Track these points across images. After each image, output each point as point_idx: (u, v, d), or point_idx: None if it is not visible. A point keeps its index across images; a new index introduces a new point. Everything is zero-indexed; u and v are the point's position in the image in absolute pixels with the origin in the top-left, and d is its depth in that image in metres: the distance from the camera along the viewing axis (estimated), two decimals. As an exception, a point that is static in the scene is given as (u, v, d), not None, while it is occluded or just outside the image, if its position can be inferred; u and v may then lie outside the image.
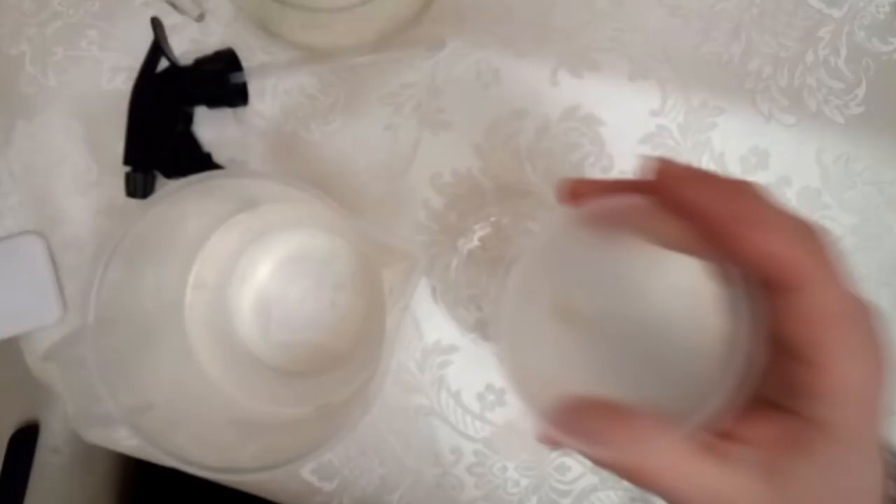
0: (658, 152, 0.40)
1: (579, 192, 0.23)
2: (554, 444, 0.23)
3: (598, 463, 0.23)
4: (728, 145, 0.40)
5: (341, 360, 0.38)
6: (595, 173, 0.40)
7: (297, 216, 0.38)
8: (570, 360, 0.26)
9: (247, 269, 0.39)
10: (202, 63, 0.39)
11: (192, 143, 0.39)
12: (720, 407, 0.19)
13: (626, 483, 0.39)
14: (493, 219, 0.39)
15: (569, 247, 0.25)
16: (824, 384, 0.20)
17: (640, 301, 0.25)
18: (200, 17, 0.39)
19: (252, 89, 0.39)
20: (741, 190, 0.20)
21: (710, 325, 0.20)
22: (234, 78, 0.38)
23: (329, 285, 0.39)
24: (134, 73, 0.38)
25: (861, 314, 0.21)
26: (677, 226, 0.20)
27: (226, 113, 0.40)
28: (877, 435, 0.22)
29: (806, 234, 0.20)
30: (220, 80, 0.38)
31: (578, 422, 0.21)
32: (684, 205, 0.20)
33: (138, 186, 0.38)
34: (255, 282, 0.39)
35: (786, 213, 0.20)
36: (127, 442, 0.40)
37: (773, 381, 0.21)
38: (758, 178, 0.40)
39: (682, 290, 0.23)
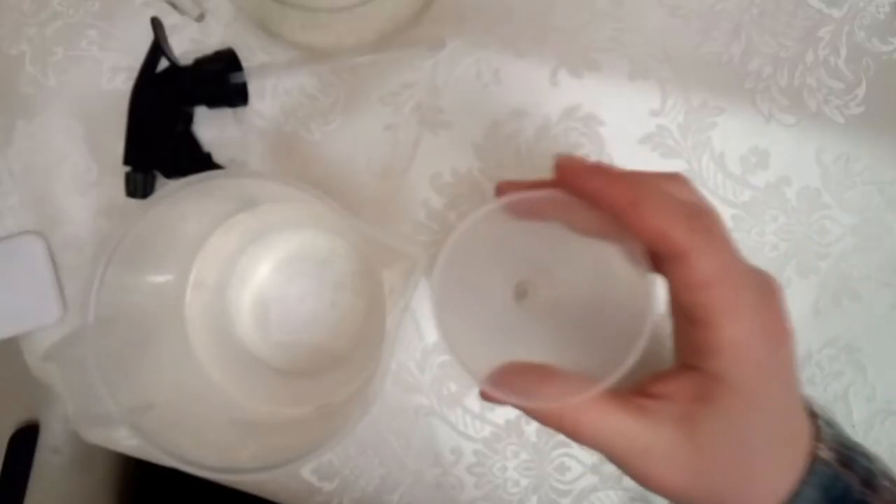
0: (658, 152, 0.40)
1: (504, 189, 0.27)
2: (494, 401, 0.25)
3: (536, 417, 0.26)
4: (728, 145, 0.40)
5: (341, 360, 0.38)
6: (595, 173, 0.40)
7: (297, 216, 0.38)
8: (510, 334, 0.30)
9: (246, 269, 0.38)
10: (202, 63, 0.39)
11: (192, 143, 0.39)
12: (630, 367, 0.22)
13: (626, 483, 0.39)
14: (492, 219, 0.39)
15: (502, 234, 0.29)
16: (716, 340, 0.23)
17: (570, 282, 0.29)
18: (200, 17, 0.39)
19: (252, 89, 0.39)
20: (633, 179, 0.23)
21: (627, 304, 0.23)
22: (234, 78, 0.38)
23: (329, 285, 0.39)
24: (134, 73, 0.38)
25: (750, 281, 0.24)
26: (590, 215, 0.24)
27: (226, 113, 0.40)
28: (784, 397, 0.25)
29: (691, 212, 0.23)
30: (220, 80, 0.38)
31: (514, 381, 0.24)
32: (587, 194, 0.23)
33: (138, 186, 0.38)
34: (254, 282, 0.39)
35: (673, 196, 0.23)
36: (127, 442, 0.40)
37: (685, 347, 0.24)
38: (758, 178, 0.40)
39: (605, 273, 0.27)
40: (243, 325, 0.38)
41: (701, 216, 0.23)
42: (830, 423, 0.27)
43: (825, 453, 0.25)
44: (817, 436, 0.25)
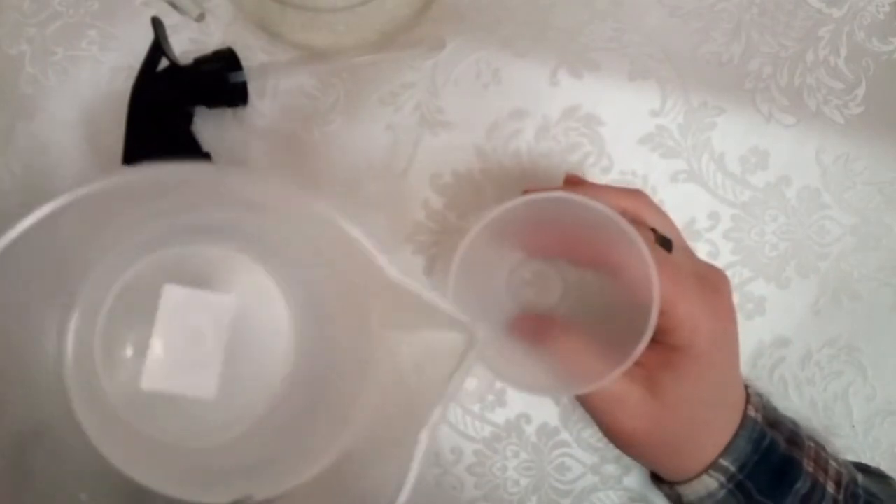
0: (658, 152, 0.40)
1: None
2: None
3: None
4: (728, 145, 0.40)
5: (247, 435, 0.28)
6: (595, 173, 0.40)
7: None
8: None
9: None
10: (202, 63, 0.39)
11: (192, 143, 0.39)
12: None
13: (626, 483, 0.39)
14: (493, 219, 0.40)
15: (512, 232, 0.31)
16: (672, 321, 0.28)
17: (578, 275, 0.33)
18: (200, 17, 0.39)
19: (252, 89, 0.39)
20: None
21: (632, 297, 0.27)
22: (234, 78, 0.38)
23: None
24: (134, 73, 0.38)
25: (687, 271, 0.30)
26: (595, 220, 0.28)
27: (226, 113, 0.40)
28: (731, 363, 0.31)
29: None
30: (220, 79, 0.38)
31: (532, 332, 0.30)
32: None
33: (138, 186, 0.38)
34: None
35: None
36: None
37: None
38: (758, 178, 0.40)
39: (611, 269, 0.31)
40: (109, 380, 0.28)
41: (636, 226, 0.28)
42: (759, 395, 0.34)
43: (753, 413, 0.31)
44: (747, 400, 0.32)
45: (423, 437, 0.19)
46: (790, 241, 0.40)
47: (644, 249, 0.26)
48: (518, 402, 0.39)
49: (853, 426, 0.40)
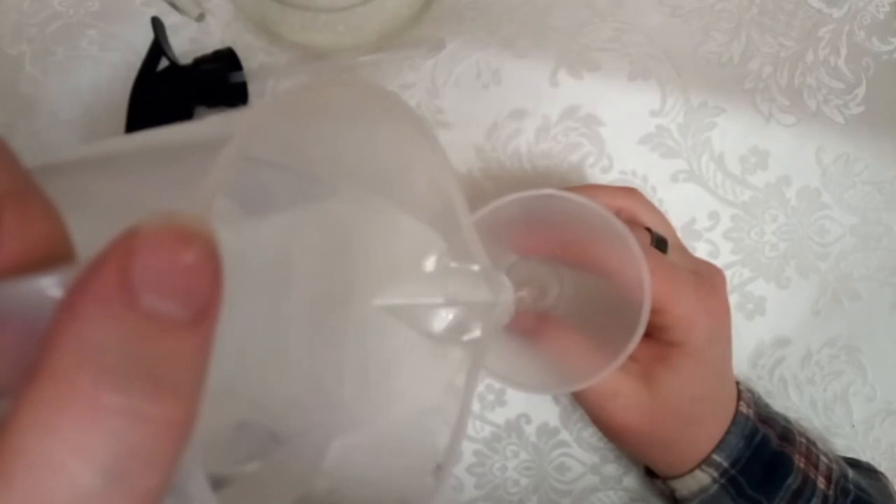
0: (658, 153, 0.40)
1: None
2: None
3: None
4: (728, 145, 0.40)
5: None
6: (595, 173, 0.40)
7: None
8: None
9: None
10: (202, 63, 0.39)
11: (192, 143, 0.39)
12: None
13: (626, 483, 0.39)
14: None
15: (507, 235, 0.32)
16: (668, 319, 0.29)
17: (573, 275, 0.33)
18: (200, 17, 0.39)
19: (252, 89, 0.39)
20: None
21: (625, 293, 0.27)
22: (234, 77, 0.38)
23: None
24: (134, 73, 0.38)
25: (681, 270, 0.30)
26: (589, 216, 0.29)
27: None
28: (724, 359, 0.32)
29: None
30: (220, 79, 0.38)
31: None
32: None
33: (138, 186, 0.38)
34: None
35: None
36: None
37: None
38: (758, 178, 0.40)
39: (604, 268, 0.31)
40: None
41: (631, 227, 0.29)
42: (750, 391, 0.34)
43: (745, 409, 0.32)
44: (739, 396, 0.33)
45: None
46: (790, 241, 0.40)
47: (634, 246, 0.26)
48: (518, 401, 0.39)
49: (853, 426, 0.40)
